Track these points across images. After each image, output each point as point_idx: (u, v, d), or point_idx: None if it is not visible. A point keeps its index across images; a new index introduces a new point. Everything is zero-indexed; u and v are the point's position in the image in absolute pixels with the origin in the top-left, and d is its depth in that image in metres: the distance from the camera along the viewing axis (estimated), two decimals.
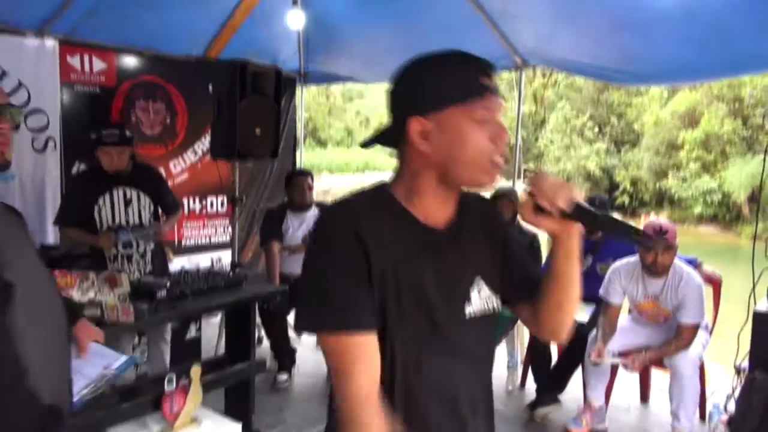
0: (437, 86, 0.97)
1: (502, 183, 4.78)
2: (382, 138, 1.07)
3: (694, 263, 3.38)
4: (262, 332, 4.11)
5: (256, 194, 5.24)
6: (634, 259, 3.17)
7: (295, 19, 4.36)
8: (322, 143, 26.39)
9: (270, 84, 3.80)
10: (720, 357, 3.76)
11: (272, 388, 3.73)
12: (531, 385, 3.66)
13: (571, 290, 1.06)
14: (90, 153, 3.21)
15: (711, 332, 3.37)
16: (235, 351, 3.04)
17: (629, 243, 1.08)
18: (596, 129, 20.86)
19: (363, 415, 0.93)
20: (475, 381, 1.09)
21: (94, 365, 1.72)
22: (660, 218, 4.02)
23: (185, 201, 4.68)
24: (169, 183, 3.88)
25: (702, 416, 3.28)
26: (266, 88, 3.77)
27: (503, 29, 4.07)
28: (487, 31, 4.10)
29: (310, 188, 3.99)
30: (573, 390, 3.50)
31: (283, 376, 3.81)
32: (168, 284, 2.64)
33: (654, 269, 3.05)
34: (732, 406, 2.89)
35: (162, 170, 4.12)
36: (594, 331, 3.26)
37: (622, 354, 3.16)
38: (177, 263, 3.94)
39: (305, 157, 6.54)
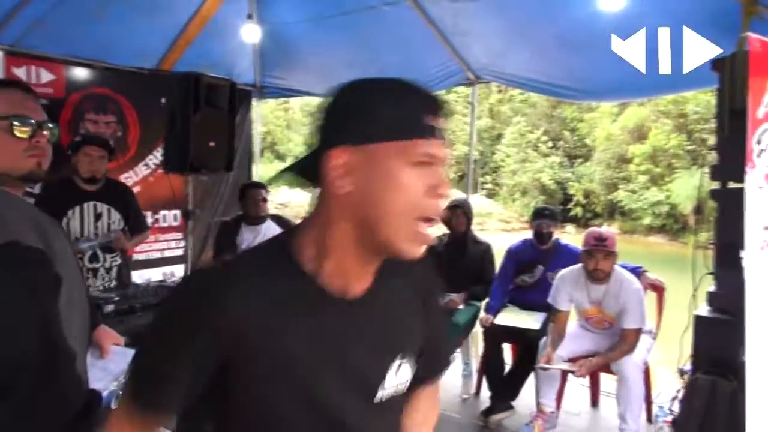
0: (374, 114, 0.81)
1: (457, 194, 4.87)
2: (297, 172, 0.88)
3: (638, 271, 3.52)
4: None
5: (211, 207, 5.18)
6: (578, 266, 3.29)
7: (250, 33, 4.37)
8: (280, 157, 26.22)
9: (224, 97, 3.79)
10: (665, 361, 3.90)
11: None
12: (486, 393, 3.71)
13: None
14: (61, 163, 3.16)
15: (655, 337, 3.50)
16: None
17: None
18: (550, 143, 21.47)
19: None
20: None
21: (118, 363, 1.77)
22: (604, 227, 4.16)
23: None
24: None
25: (648, 418, 3.39)
26: (220, 101, 3.76)
27: (455, 45, 4.18)
28: (440, 47, 4.20)
29: (264, 200, 3.96)
30: (526, 396, 3.57)
31: None
32: (116, 298, 2.59)
33: (595, 276, 3.17)
34: (677, 408, 2.99)
35: None
36: (545, 338, 3.35)
37: (571, 360, 3.25)
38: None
39: (264, 170, 6.50)
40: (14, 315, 0.94)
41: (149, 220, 4.74)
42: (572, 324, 3.46)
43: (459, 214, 4.00)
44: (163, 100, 4.03)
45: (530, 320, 3.63)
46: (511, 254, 3.94)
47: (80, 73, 4.22)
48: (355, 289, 0.86)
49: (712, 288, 2.59)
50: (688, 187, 16.58)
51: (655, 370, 3.54)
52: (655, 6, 3.27)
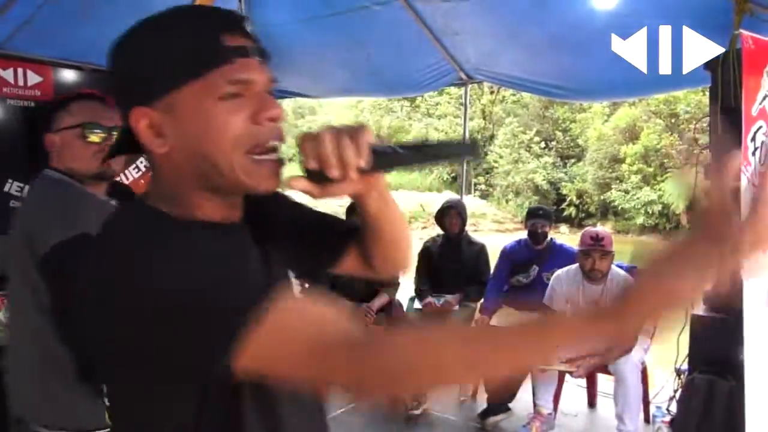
0: (160, 60, 0.70)
1: (450, 196, 4.83)
2: (122, 144, 0.79)
3: (634, 271, 3.50)
4: None
5: None
6: (574, 266, 3.27)
7: None
8: None
9: None
10: (662, 361, 3.89)
11: None
12: (483, 395, 3.68)
13: (402, 227, 0.92)
14: (25, 171, 3.10)
15: (652, 337, 3.49)
16: None
17: (454, 159, 0.82)
18: (543, 144, 21.50)
19: (411, 344, 0.66)
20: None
21: None
22: (599, 227, 4.16)
23: None
24: None
25: (646, 418, 3.38)
26: None
27: (447, 45, 4.16)
28: (432, 48, 4.18)
29: None
30: (523, 398, 3.54)
31: None
32: None
33: (592, 275, 3.16)
34: (674, 408, 2.98)
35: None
36: None
37: (568, 360, 3.23)
38: None
39: None
40: None
41: None
42: None
43: (453, 215, 3.99)
44: None
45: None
46: (506, 254, 3.92)
47: (68, 76, 4.16)
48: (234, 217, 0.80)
49: (707, 287, 2.58)
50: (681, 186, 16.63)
51: (652, 371, 3.53)
52: (648, 4, 3.27)
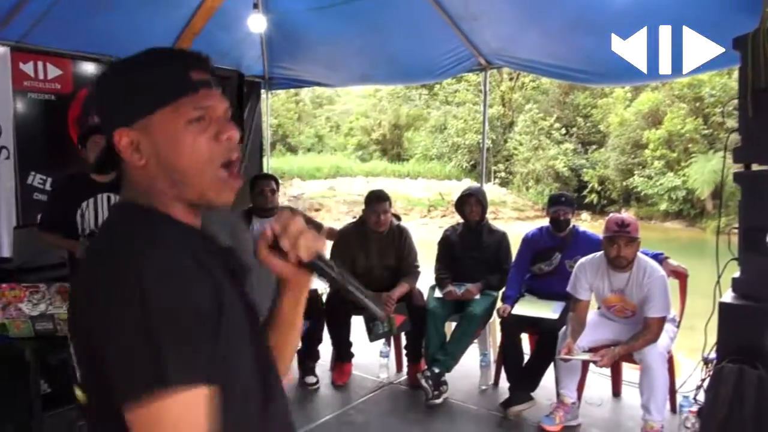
0: (137, 90, 0.85)
1: (470, 183, 4.77)
2: (104, 161, 0.92)
3: (659, 258, 3.43)
4: None
5: None
6: (599, 254, 3.20)
7: (257, 23, 4.31)
8: (292, 149, 26.22)
9: (232, 88, 3.75)
10: (689, 349, 3.81)
11: None
12: (504, 384, 3.65)
13: (293, 335, 1.02)
14: (47, 163, 3.13)
15: (679, 325, 3.42)
16: None
17: (365, 312, 0.90)
18: (563, 130, 21.19)
19: None
20: None
21: None
22: (624, 213, 4.07)
23: None
24: None
25: (672, 408, 3.31)
26: (228, 93, 3.72)
27: (465, 30, 4.09)
28: (451, 33, 4.12)
29: (274, 192, 3.91)
30: (546, 387, 3.50)
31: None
32: None
33: (618, 263, 3.08)
34: (701, 397, 2.92)
35: None
36: (564, 328, 3.27)
37: (592, 350, 3.17)
38: None
39: (276, 163, 6.48)
40: None
41: None
42: (591, 312, 3.37)
43: (473, 203, 3.93)
44: None
45: (548, 310, 3.56)
46: (528, 242, 3.86)
47: (87, 68, 4.18)
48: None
49: (737, 274, 2.51)
50: (705, 171, 16.29)
51: (678, 359, 3.46)
52: None
